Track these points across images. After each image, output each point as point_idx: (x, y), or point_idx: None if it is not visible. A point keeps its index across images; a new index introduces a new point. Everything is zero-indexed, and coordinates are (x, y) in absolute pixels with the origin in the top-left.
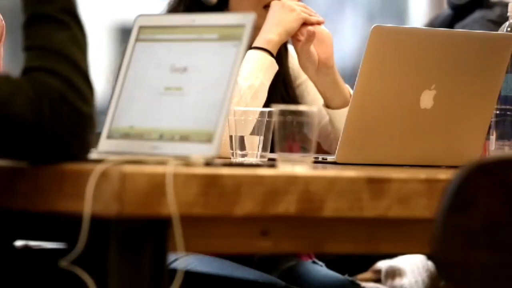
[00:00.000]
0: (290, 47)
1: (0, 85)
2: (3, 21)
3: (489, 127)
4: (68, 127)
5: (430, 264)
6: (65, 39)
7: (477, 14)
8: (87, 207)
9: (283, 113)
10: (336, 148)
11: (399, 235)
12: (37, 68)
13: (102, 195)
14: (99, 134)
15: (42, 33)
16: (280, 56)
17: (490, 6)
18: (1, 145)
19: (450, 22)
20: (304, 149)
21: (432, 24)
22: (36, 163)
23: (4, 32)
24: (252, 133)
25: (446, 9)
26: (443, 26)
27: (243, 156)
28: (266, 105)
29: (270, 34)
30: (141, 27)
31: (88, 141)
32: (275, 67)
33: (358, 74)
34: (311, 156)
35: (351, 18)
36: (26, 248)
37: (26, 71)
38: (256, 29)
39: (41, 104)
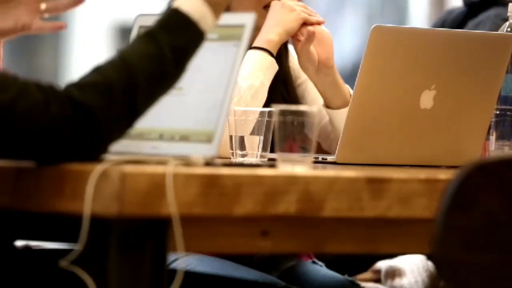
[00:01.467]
0: (291, 47)
1: (8, 86)
2: None
3: (489, 127)
4: (76, 129)
5: (430, 264)
6: (147, 68)
7: (492, 12)
8: (87, 207)
9: (283, 113)
10: (336, 148)
11: (399, 235)
12: (97, 69)
13: (102, 195)
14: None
15: (136, 50)
16: (281, 56)
17: (505, 4)
18: (8, 146)
19: (463, 19)
20: (304, 149)
21: (444, 20)
22: (43, 163)
23: None
24: (252, 133)
25: (460, 6)
26: (456, 22)
27: (243, 156)
28: (267, 105)
29: (270, 34)
30: (141, 27)
31: (99, 144)
32: (275, 67)
33: (358, 74)
34: (311, 156)
35: (351, 18)
36: (26, 248)
37: (95, 67)
38: (256, 29)
39: (48, 106)
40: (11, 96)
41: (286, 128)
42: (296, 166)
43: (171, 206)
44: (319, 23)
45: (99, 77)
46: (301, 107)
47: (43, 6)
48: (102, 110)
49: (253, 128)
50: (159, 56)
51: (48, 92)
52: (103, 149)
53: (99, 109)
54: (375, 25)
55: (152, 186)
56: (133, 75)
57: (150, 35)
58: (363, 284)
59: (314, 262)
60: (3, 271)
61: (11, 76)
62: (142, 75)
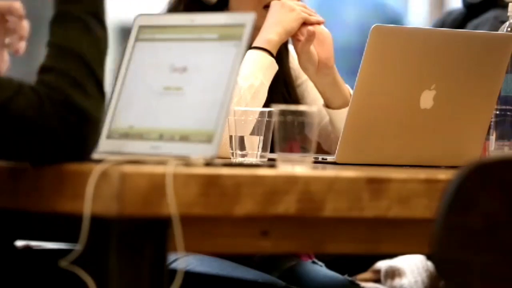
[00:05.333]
0: (291, 47)
1: (2, 87)
2: None
3: (489, 127)
4: (71, 129)
5: (430, 264)
6: (85, 41)
7: (491, 14)
8: (87, 207)
9: (283, 113)
10: (336, 148)
11: (399, 235)
12: (49, 68)
13: (102, 195)
14: None
15: (64, 32)
16: (281, 56)
17: (504, 6)
18: (3, 146)
19: (463, 20)
20: (304, 149)
21: (443, 21)
22: (38, 164)
23: None
24: (252, 133)
25: (459, 7)
26: (455, 24)
27: (243, 156)
28: (268, 105)
29: (270, 34)
30: (141, 27)
31: (92, 143)
32: (275, 67)
33: (358, 74)
34: (311, 156)
35: None
36: (26, 248)
37: (41, 70)
38: (256, 29)
39: (42, 106)
40: (6, 97)
41: (286, 128)
42: (296, 166)
43: (171, 206)
44: (319, 23)
45: (61, 74)
46: (301, 107)
47: (7, 40)
48: (97, 112)
49: (253, 128)
50: (94, 38)
51: (42, 93)
52: (96, 141)
53: (94, 110)
54: (375, 25)
55: (152, 186)
56: (91, 67)
57: (70, 17)
58: (363, 284)
59: (314, 262)
60: (3, 271)
61: (5, 77)
62: (95, 60)
